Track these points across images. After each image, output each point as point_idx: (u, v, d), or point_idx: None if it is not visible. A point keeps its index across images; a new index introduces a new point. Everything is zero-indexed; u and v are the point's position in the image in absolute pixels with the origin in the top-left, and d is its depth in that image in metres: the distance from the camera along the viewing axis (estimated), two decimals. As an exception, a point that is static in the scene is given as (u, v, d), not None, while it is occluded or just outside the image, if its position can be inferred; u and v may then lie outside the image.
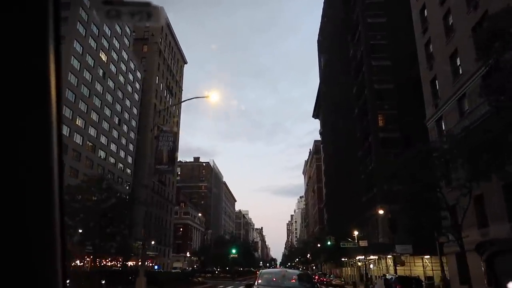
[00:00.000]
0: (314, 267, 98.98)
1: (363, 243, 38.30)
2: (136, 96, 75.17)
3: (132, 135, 72.62)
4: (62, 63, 1.01)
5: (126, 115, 70.16)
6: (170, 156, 15.10)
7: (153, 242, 66.85)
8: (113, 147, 64.28)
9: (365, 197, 47.85)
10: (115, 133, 65.16)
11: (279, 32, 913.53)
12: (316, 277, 60.18)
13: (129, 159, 70.77)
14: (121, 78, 68.42)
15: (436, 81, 27.45)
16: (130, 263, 59.27)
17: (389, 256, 39.41)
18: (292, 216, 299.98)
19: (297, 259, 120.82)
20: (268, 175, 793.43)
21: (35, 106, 0.92)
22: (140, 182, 73.15)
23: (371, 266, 41.61)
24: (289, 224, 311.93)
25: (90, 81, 56.67)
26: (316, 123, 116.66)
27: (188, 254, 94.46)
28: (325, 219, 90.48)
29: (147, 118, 77.86)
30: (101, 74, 60.69)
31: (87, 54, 56.27)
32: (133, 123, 73.32)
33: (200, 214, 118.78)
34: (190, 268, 67.94)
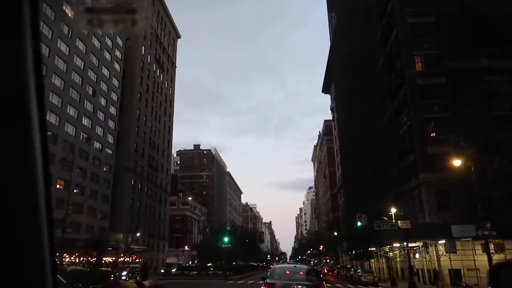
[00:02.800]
0: (328, 260, 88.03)
1: (404, 224, 27.26)
2: (117, 66, 64.50)
3: (112, 110, 62.05)
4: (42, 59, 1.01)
5: (104, 86, 59.55)
6: None
7: (138, 234, 56.51)
8: (85, 121, 53.75)
9: (397, 168, 36.78)
10: (88, 106, 54.60)
11: (286, 26, 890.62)
12: (335, 272, 49.16)
13: (109, 138, 60.29)
14: (96, 42, 57.78)
15: None
16: (107, 259, 49.08)
17: (441, 242, 28.37)
18: (301, 209, 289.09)
19: (308, 252, 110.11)
20: (277, 169, 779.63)
21: (15, 103, 0.90)
22: (124, 165, 62.87)
23: (417, 255, 30.71)
24: (298, 217, 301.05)
25: (50, 37, 46.09)
26: (326, 116, 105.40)
27: (186, 248, 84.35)
28: (340, 205, 79.49)
29: (132, 92, 67.35)
30: (66, 31, 50.07)
31: (46, 5, 45.74)
32: (114, 96, 62.70)
33: (201, 205, 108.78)
34: (184, 263, 57.65)
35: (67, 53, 49.92)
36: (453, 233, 26.87)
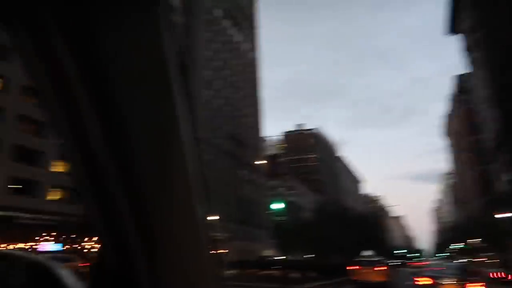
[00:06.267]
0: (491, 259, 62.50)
1: None
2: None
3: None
4: None
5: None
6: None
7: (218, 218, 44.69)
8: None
9: None
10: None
11: (396, 7, 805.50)
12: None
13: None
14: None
15: None
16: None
17: None
18: (437, 200, 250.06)
19: (452, 246, 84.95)
20: (404, 161, 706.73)
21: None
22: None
23: None
24: (436, 209, 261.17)
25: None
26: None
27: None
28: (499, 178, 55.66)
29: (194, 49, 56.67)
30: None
31: None
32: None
33: (311, 191, 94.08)
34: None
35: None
36: None
